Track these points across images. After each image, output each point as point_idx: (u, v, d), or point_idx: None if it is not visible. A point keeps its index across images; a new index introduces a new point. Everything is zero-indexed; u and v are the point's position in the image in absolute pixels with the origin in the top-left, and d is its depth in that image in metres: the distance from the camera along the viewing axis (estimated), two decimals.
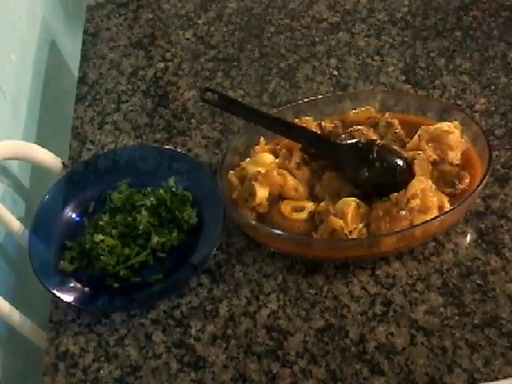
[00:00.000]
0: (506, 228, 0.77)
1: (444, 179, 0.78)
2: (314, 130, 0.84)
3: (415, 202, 0.74)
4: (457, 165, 0.80)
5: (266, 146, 0.86)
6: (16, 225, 0.90)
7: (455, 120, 0.82)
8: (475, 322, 0.70)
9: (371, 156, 0.78)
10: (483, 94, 0.92)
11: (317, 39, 1.07)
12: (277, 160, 0.83)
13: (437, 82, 0.95)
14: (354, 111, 0.87)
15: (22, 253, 0.82)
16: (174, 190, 0.87)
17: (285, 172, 0.80)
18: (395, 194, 0.75)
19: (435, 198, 0.75)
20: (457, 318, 0.71)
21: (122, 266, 0.80)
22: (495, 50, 0.99)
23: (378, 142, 0.80)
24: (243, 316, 0.75)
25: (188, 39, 1.12)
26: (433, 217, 0.73)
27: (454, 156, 0.80)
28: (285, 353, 0.71)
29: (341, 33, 1.07)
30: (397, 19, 1.07)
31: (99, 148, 0.98)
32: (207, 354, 0.72)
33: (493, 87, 0.93)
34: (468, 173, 0.78)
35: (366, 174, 0.77)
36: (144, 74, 1.07)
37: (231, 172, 0.83)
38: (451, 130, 0.80)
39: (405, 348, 0.69)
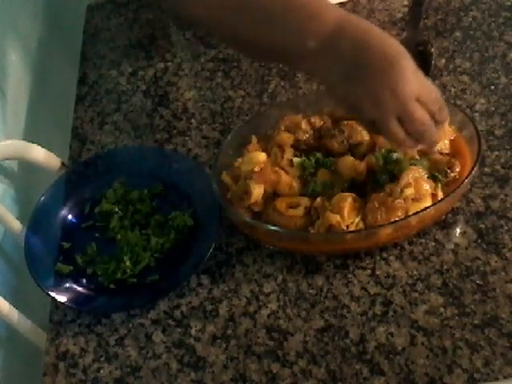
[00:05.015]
0: (506, 228, 0.77)
1: (435, 168, 0.78)
2: (304, 127, 0.84)
3: (409, 191, 0.74)
4: (446, 154, 0.81)
5: (258, 145, 0.86)
6: (16, 225, 0.90)
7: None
8: (475, 322, 0.70)
9: None
10: (483, 94, 0.92)
11: None
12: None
13: (437, 82, 0.95)
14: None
15: (22, 253, 0.82)
16: (169, 191, 0.87)
17: (278, 169, 0.81)
18: (389, 184, 0.76)
19: (428, 186, 0.76)
20: (457, 318, 0.71)
21: None
22: (495, 50, 0.98)
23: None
24: (243, 316, 0.75)
25: (188, 39, 1.12)
26: (427, 204, 0.74)
27: (443, 145, 0.81)
28: (285, 353, 0.71)
29: None
30: (397, 19, 1.07)
31: (99, 148, 0.97)
32: (207, 354, 0.72)
33: (493, 87, 0.93)
34: (458, 161, 0.79)
35: None
36: (144, 74, 1.07)
37: (224, 172, 0.83)
38: None
39: (405, 348, 0.69)
